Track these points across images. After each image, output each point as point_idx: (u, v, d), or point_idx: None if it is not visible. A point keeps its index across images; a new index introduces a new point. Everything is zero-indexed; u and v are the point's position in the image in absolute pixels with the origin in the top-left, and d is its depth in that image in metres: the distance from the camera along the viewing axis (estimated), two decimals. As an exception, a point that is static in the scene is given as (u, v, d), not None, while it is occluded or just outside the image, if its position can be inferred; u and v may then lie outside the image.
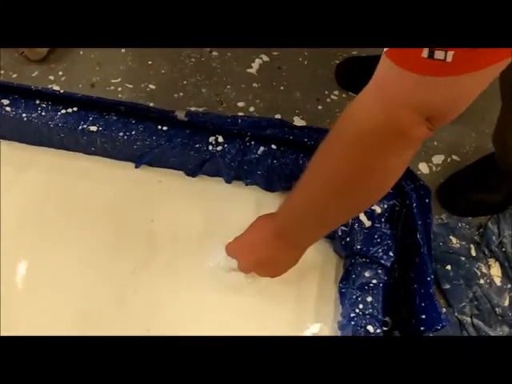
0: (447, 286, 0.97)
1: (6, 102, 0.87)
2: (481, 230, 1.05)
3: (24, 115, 0.87)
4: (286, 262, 0.76)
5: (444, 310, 0.88)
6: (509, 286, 1.00)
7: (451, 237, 1.03)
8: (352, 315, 0.77)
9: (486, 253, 1.02)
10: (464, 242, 1.03)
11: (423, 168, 1.08)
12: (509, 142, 0.95)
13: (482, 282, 1.00)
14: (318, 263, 0.89)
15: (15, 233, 0.85)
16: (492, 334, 0.95)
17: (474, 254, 1.02)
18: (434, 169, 1.08)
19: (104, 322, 0.80)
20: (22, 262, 0.83)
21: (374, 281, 0.80)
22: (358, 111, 0.56)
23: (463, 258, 1.02)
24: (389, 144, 0.54)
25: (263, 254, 0.73)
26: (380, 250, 0.82)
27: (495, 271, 1.02)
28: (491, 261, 1.03)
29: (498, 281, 1.01)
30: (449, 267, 1.00)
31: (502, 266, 1.02)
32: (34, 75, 1.09)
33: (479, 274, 1.01)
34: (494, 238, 1.03)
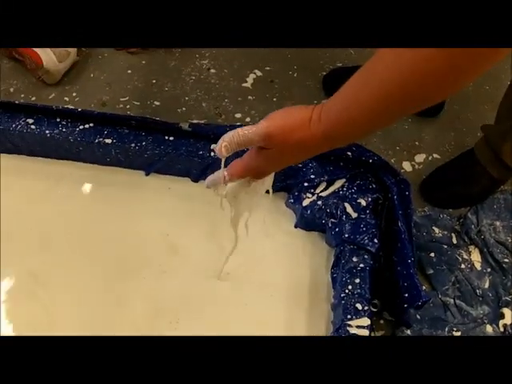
0: (431, 271, 1.06)
1: (30, 120, 0.99)
2: (461, 220, 1.14)
3: (47, 132, 0.98)
4: (307, 153, 0.66)
5: (424, 287, 0.97)
6: (488, 269, 1.08)
7: (434, 227, 1.12)
8: (342, 295, 0.86)
9: (466, 240, 1.11)
10: (446, 232, 1.12)
11: (407, 166, 1.17)
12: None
13: (463, 266, 1.07)
14: (312, 254, 0.99)
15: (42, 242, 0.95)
16: (473, 313, 1.03)
17: (455, 242, 1.11)
18: (416, 167, 1.18)
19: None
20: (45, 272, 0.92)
21: (361, 265, 0.89)
22: None
23: (445, 246, 1.10)
24: None
25: (299, 137, 0.61)
26: (366, 238, 0.92)
27: (475, 257, 1.10)
28: (471, 248, 1.10)
29: (478, 265, 1.08)
30: (432, 254, 1.08)
31: (481, 251, 1.09)
32: (50, 97, 1.20)
33: (460, 259, 1.08)
34: (472, 226, 1.12)
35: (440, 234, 1.12)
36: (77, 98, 1.21)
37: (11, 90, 1.21)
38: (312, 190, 0.98)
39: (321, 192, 0.97)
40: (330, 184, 0.98)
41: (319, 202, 0.96)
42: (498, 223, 1.14)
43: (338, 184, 0.98)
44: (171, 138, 0.99)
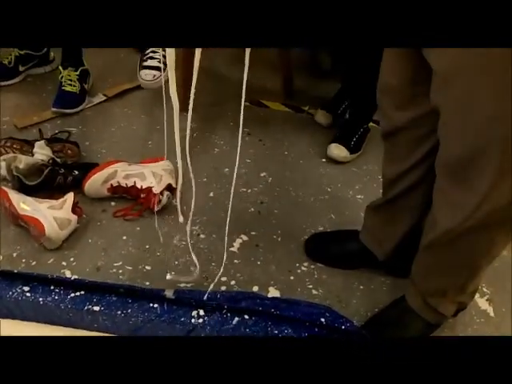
0: None
1: (26, 288, 1.07)
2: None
3: (40, 299, 1.05)
4: None
5: None
6: None
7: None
8: None
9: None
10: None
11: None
12: None
13: None
14: None
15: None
16: None
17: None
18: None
19: None
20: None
21: None
22: None
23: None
24: None
25: None
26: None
27: None
28: None
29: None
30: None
31: None
32: (49, 262, 1.29)
33: None
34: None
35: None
36: (74, 263, 1.29)
37: (14, 255, 1.30)
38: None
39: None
40: (305, 350, 1.02)
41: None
42: None
43: (313, 350, 1.02)
44: (155, 306, 1.06)
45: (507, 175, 0.86)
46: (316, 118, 1.88)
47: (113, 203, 1.48)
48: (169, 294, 1.06)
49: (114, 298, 1.07)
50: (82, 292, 1.07)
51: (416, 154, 1.06)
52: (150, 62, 1.75)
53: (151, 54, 1.77)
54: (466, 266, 1.06)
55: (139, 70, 1.77)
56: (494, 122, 0.82)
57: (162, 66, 1.73)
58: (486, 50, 0.75)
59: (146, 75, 1.73)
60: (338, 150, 1.70)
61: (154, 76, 1.72)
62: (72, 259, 1.31)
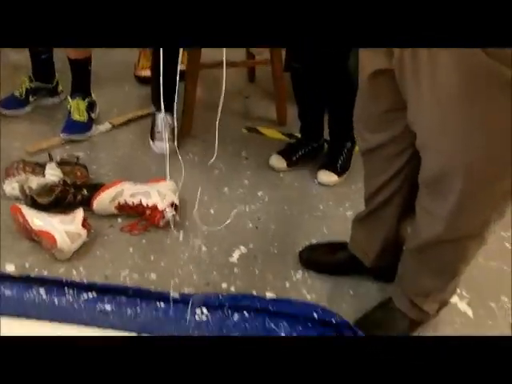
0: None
1: (42, 290, 1.15)
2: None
3: (55, 300, 1.14)
4: None
5: None
6: None
7: None
8: None
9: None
10: None
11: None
12: None
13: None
14: None
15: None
16: None
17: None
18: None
19: None
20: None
21: None
22: None
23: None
24: None
25: None
26: None
27: None
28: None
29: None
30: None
31: None
32: (60, 271, 1.38)
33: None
34: None
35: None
36: (83, 273, 1.39)
37: (27, 265, 1.40)
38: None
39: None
40: (300, 343, 1.11)
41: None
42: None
43: (308, 343, 1.11)
44: (162, 305, 1.15)
45: (470, 199, 0.99)
46: (270, 162, 1.89)
47: (119, 220, 1.58)
48: (174, 295, 1.15)
49: (124, 299, 1.16)
50: (94, 293, 1.16)
51: (391, 169, 1.19)
52: (161, 135, 1.91)
53: (160, 129, 1.92)
54: (447, 269, 1.18)
55: (152, 141, 1.93)
56: (462, 150, 0.94)
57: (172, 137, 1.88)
58: (459, 82, 0.88)
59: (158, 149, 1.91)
60: (326, 176, 1.82)
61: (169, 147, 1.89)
62: (81, 269, 1.40)
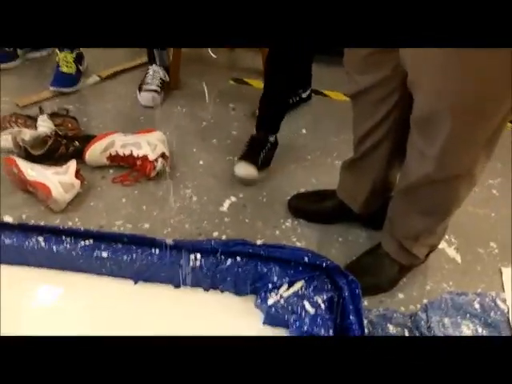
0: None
1: (41, 238, 1.19)
2: (412, 317, 1.30)
3: (54, 247, 1.18)
4: None
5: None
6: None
7: (388, 324, 1.28)
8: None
9: (418, 335, 1.26)
10: (399, 328, 1.27)
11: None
12: None
13: (415, 359, 1.22)
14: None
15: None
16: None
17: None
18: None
19: None
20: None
21: (318, 352, 1.05)
22: None
23: (399, 342, 1.25)
24: None
25: None
26: (322, 330, 1.08)
27: (425, 351, 1.25)
28: (422, 342, 1.26)
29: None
30: (386, 349, 1.23)
31: (430, 345, 1.25)
32: (56, 223, 1.42)
33: (413, 353, 1.23)
34: (423, 323, 1.28)
35: (394, 331, 1.26)
36: (78, 223, 1.42)
37: (23, 216, 1.43)
38: (276, 291, 1.15)
39: (283, 292, 1.15)
40: (290, 285, 1.16)
41: (282, 301, 1.14)
42: (446, 320, 1.29)
43: (298, 285, 1.16)
44: (157, 251, 1.19)
45: (459, 137, 1.01)
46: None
47: (111, 171, 1.61)
48: (169, 241, 1.20)
49: (120, 246, 1.20)
50: (91, 241, 1.20)
51: (379, 113, 1.20)
52: (148, 86, 1.91)
53: (149, 80, 1.91)
54: (436, 210, 1.21)
55: (139, 92, 1.93)
56: (451, 88, 0.95)
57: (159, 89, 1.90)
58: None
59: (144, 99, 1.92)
60: (244, 169, 1.59)
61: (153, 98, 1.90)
62: (77, 219, 1.43)
